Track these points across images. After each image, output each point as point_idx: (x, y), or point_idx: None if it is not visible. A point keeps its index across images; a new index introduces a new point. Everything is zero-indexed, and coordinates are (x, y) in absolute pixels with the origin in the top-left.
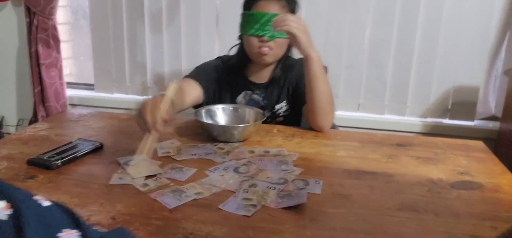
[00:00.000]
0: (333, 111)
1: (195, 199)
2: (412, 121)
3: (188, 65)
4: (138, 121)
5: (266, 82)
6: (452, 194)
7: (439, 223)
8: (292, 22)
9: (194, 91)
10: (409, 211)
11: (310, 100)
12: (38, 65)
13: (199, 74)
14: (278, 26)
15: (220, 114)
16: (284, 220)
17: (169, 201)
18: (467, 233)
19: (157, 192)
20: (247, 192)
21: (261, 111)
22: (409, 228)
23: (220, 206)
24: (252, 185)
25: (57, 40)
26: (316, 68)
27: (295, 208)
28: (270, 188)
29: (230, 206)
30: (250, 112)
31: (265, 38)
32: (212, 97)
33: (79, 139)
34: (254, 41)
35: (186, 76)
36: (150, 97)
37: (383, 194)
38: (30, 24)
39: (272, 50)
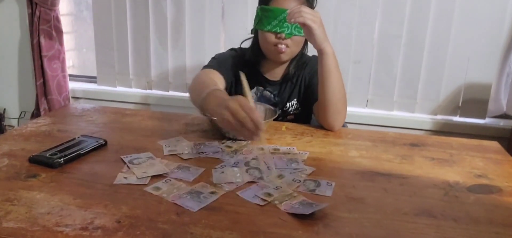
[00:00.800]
0: (345, 110)
1: (214, 200)
2: (422, 118)
3: (192, 58)
4: (233, 125)
5: (280, 79)
6: (470, 199)
7: (459, 230)
8: (307, 14)
9: (220, 83)
10: (426, 217)
11: (322, 97)
12: (41, 57)
13: (220, 64)
14: (292, 17)
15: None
16: (296, 226)
17: (191, 204)
18: None
19: (174, 195)
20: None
21: (273, 108)
22: (427, 235)
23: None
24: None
25: (59, 32)
26: (330, 62)
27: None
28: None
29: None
30: (261, 109)
31: (283, 35)
32: (229, 90)
33: (82, 135)
34: (271, 37)
35: (206, 67)
36: (227, 98)
37: (398, 197)
38: (32, 15)
39: (289, 48)
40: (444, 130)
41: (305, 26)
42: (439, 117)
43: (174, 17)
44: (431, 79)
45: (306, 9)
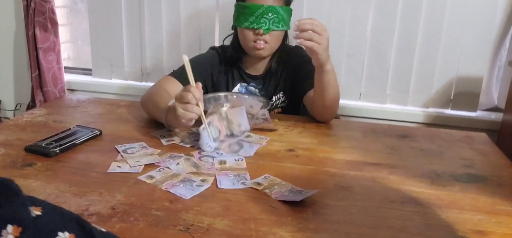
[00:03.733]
0: (338, 104)
1: (207, 188)
2: (414, 111)
3: (187, 51)
4: (180, 113)
5: (262, 73)
6: (456, 187)
7: (443, 217)
8: (315, 37)
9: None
10: (413, 204)
11: (318, 102)
12: (36, 49)
13: (184, 74)
14: (300, 37)
15: (223, 102)
16: (286, 212)
17: (184, 192)
18: (472, 228)
19: (167, 183)
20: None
21: (265, 99)
22: (413, 222)
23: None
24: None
25: (55, 24)
26: (329, 78)
27: (297, 202)
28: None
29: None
30: (258, 101)
31: (260, 31)
32: (204, 92)
33: (77, 126)
34: (249, 34)
35: (172, 74)
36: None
37: (386, 186)
38: (27, 7)
39: (268, 43)
40: (436, 123)
41: (310, 50)
42: (431, 109)
43: (169, 9)
44: (424, 72)
45: (316, 29)
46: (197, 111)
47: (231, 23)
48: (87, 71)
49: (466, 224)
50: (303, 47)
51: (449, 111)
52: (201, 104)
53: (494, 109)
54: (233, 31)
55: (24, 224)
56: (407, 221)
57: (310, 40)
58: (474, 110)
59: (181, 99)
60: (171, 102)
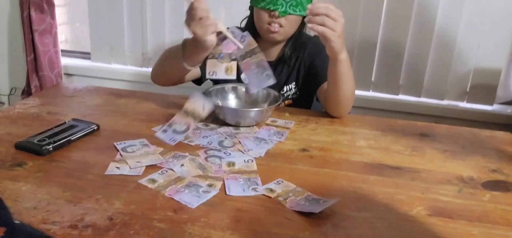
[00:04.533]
0: (353, 99)
1: (214, 194)
2: (428, 103)
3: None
4: (199, 31)
5: (274, 60)
6: (486, 197)
7: (476, 232)
8: (329, 22)
9: (191, 72)
10: (441, 217)
11: (332, 96)
12: (31, 32)
13: None
14: (312, 21)
15: (231, 95)
16: (302, 226)
17: (189, 199)
18: None
19: (170, 189)
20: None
21: (276, 93)
22: None
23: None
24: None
25: (51, 4)
26: (343, 69)
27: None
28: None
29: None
30: (263, 94)
31: (276, 13)
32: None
33: (73, 119)
34: (264, 15)
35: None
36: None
37: (410, 194)
38: None
39: (283, 27)
40: (451, 116)
41: (323, 36)
42: (445, 102)
43: None
44: (439, 62)
45: (331, 14)
46: (213, 21)
47: (239, 4)
48: (85, 55)
49: None
50: (315, 32)
51: (464, 104)
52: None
53: (510, 102)
54: (249, 11)
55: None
56: (436, 237)
57: (322, 25)
58: (491, 103)
59: (192, 18)
60: (184, 39)
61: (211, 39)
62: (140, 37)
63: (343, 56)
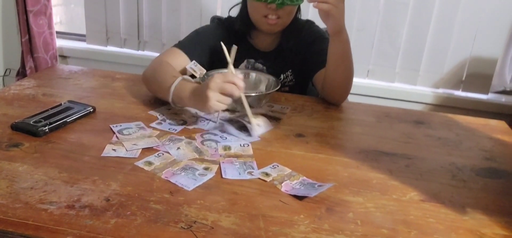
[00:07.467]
0: (351, 84)
1: (210, 178)
2: (423, 91)
3: (188, 18)
4: (213, 104)
5: (272, 50)
6: (479, 184)
7: (468, 218)
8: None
9: (182, 64)
10: (434, 203)
11: (330, 78)
12: (26, 12)
13: (192, 47)
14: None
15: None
16: (297, 209)
17: (186, 182)
18: (499, 232)
19: (166, 171)
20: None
21: (275, 78)
22: (435, 224)
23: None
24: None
25: None
26: (344, 48)
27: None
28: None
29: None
30: (262, 78)
31: (273, 6)
32: (210, 66)
33: (69, 101)
34: (260, 7)
35: (178, 45)
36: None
37: (404, 180)
38: None
39: (280, 19)
40: (446, 105)
41: (325, 13)
42: (441, 90)
43: None
44: (436, 50)
45: None
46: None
47: None
48: (80, 37)
49: (494, 228)
50: (318, 9)
51: (460, 93)
52: (243, 95)
53: (505, 92)
54: (240, 2)
55: None
56: (429, 222)
57: (326, 2)
58: (486, 92)
59: (221, 89)
60: (178, 80)
61: (213, 112)
62: (135, 18)
63: (345, 35)
